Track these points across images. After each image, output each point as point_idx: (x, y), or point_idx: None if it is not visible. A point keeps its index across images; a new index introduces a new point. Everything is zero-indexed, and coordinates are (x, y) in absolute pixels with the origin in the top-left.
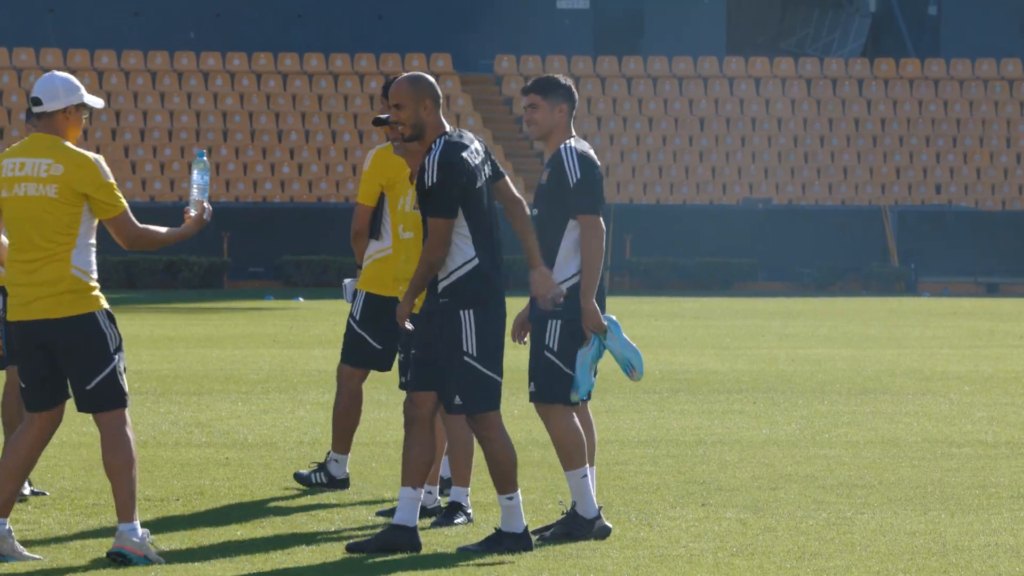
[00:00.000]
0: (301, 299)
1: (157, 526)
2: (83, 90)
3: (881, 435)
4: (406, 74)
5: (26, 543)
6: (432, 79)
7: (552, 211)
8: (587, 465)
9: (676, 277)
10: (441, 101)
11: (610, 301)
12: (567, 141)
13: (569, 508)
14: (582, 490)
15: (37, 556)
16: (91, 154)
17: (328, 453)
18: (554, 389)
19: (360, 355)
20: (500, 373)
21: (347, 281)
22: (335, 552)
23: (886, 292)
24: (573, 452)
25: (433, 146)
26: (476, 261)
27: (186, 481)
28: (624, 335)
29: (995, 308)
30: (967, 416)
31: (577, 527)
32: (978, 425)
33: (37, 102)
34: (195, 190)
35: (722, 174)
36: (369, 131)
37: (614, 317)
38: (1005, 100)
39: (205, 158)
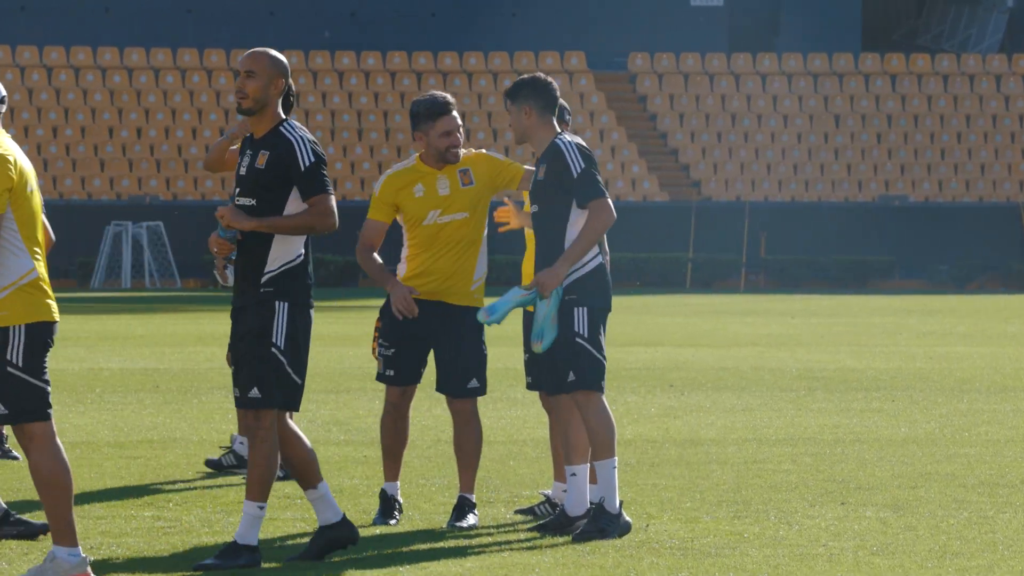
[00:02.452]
0: None
1: (288, 523)
2: None
3: (1022, 433)
4: (268, 49)
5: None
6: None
7: (553, 205)
8: (615, 456)
9: (811, 275)
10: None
11: (745, 299)
12: (562, 136)
13: (596, 503)
14: (609, 482)
15: None
16: None
17: (233, 436)
18: (594, 375)
19: None
20: (302, 376)
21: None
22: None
23: None
24: (607, 441)
25: (288, 128)
26: (301, 258)
27: (328, 479)
28: (557, 315)
29: None
30: None
31: (607, 522)
32: None
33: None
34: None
35: (858, 171)
36: (503, 129)
37: (562, 293)
38: None
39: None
